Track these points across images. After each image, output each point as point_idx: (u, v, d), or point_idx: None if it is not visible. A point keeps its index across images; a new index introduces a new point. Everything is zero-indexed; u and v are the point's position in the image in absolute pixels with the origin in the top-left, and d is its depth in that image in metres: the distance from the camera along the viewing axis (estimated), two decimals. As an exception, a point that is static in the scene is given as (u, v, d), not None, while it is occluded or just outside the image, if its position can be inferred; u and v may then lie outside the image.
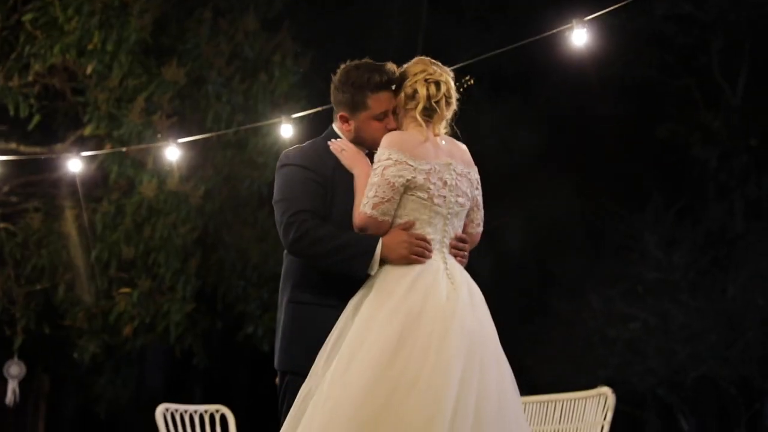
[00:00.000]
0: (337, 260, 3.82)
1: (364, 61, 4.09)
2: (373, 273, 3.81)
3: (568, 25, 6.32)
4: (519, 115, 16.90)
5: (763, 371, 15.48)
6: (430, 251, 3.86)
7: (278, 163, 4.08)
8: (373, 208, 3.80)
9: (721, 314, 15.65)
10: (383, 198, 3.80)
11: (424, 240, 3.87)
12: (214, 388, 16.66)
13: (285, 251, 4.06)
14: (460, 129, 4.05)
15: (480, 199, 4.07)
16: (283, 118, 8.45)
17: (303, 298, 3.96)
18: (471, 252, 4.09)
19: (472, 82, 4.23)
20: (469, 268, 4.06)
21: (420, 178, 3.82)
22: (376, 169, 3.82)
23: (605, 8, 6.41)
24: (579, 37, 6.33)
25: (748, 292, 15.68)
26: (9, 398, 10.20)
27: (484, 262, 15.17)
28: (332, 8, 16.51)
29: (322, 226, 3.86)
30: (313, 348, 3.81)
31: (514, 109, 16.93)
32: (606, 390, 5.64)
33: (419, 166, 3.82)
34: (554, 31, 6.32)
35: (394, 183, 3.79)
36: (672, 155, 16.88)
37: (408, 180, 3.81)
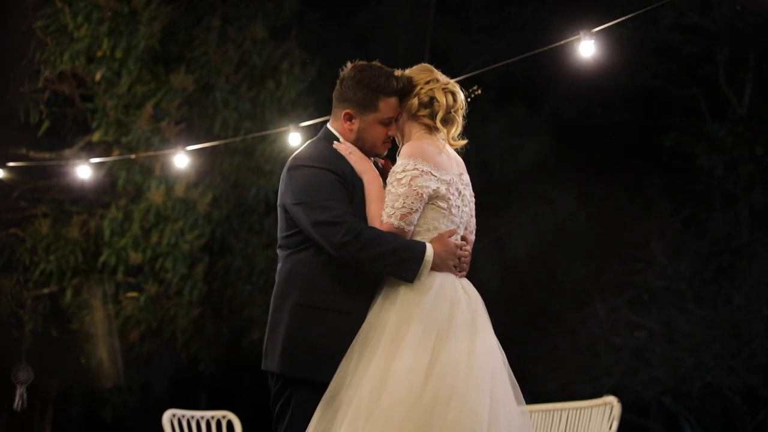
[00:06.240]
0: (387, 264, 3.73)
1: (374, 63, 4.04)
2: (423, 278, 3.74)
3: (576, 37, 6.32)
4: (525, 123, 16.90)
5: (768, 381, 15.46)
6: (469, 254, 3.91)
7: (292, 164, 3.95)
8: (400, 219, 3.75)
9: (727, 323, 15.62)
10: (411, 209, 3.75)
11: (465, 243, 3.90)
12: (219, 393, 16.66)
13: (285, 254, 3.95)
14: (467, 136, 4.07)
15: (474, 206, 4.06)
16: (291, 126, 8.47)
17: (313, 302, 3.83)
18: (474, 259, 4.12)
19: (480, 91, 4.24)
20: (476, 275, 4.09)
21: (443, 189, 3.81)
22: (401, 178, 3.76)
23: (611, 17, 6.41)
24: (587, 48, 6.33)
25: (754, 301, 15.65)
26: (17, 403, 10.23)
27: (490, 269, 15.18)
28: (340, 16, 16.54)
29: (369, 229, 3.77)
30: (322, 355, 3.74)
31: (521, 117, 16.93)
32: (612, 399, 5.65)
33: (442, 177, 3.82)
34: (562, 42, 6.32)
35: (422, 194, 3.76)
36: (678, 164, 16.87)
37: (433, 190, 3.78)
